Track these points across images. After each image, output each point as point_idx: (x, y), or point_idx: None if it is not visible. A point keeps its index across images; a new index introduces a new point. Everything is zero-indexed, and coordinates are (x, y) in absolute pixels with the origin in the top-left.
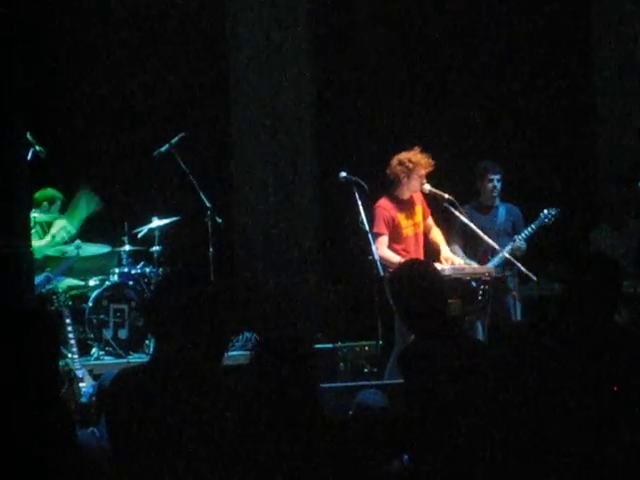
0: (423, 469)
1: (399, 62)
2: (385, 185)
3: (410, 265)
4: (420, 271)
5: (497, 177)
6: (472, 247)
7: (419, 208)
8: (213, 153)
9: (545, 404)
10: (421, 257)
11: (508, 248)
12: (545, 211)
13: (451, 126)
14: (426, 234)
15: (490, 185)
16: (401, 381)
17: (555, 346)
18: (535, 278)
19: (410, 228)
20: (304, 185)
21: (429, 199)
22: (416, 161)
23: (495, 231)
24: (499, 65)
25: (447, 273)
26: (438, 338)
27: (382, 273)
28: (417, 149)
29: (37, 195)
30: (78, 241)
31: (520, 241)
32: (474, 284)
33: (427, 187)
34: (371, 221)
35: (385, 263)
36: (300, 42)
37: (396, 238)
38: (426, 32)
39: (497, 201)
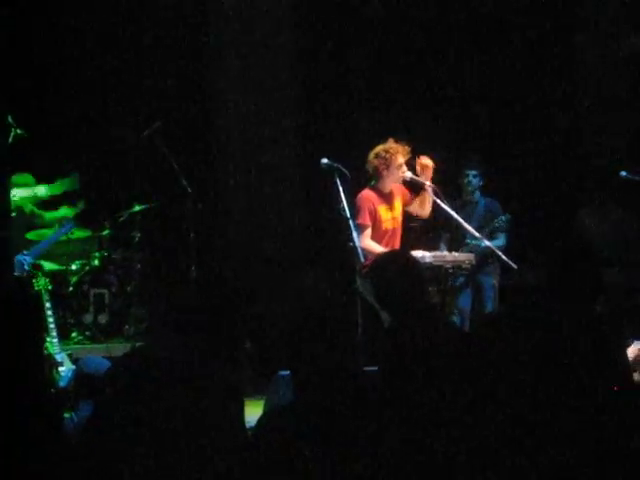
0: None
1: (384, 50)
2: (366, 178)
3: (389, 256)
4: (399, 262)
5: (473, 172)
6: (457, 238)
7: (398, 202)
8: (195, 139)
9: (523, 391)
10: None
11: (483, 243)
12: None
13: (436, 117)
14: (417, 215)
15: (465, 180)
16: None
17: (535, 334)
18: (515, 266)
19: (389, 222)
20: (286, 171)
21: (410, 187)
22: (392, 151)
23: (472, 225)
24: (483, 58)
25: (427, 261)
26: (418, 325)
27: (362, 260)
28: (391, 140)
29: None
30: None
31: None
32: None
33: (408, 174)
34: (354, 212)
35: (368, 255)
36: (284, 30)
37: (375, 231)
38: (412, 26)
39: (477, 196)
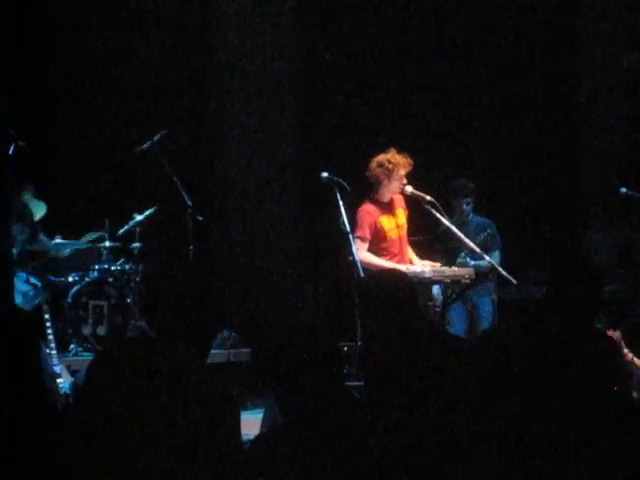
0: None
1: (383, 64)
2: (367, 187)
3: (379, 276)
4: (389, 282)
5: (467, 200)
6: (454, 252)
7: (400, 211)
8: (195, 151)
9: (521, 405)
10: (406, 260)
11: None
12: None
13: (434, 130)
14: None
15: (460, 208)
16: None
17: (535, 351)
18: (515, 281)
19: (394, 231)
20: (286, 185)
21: (410, 201)
22: (395, 162)
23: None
24: (482, 69)
25: (427, 275)
26: (413, 340)
27: (362, 274)
28: (393, 150)
29: None
30: (58, 239)
31: (466, 259)
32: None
33: (409, 189)
34: (354, 225)
35: (366, 267)
36: (286, 39)
37: (381, 242)
38: (410, 38)
39: (470, 216)
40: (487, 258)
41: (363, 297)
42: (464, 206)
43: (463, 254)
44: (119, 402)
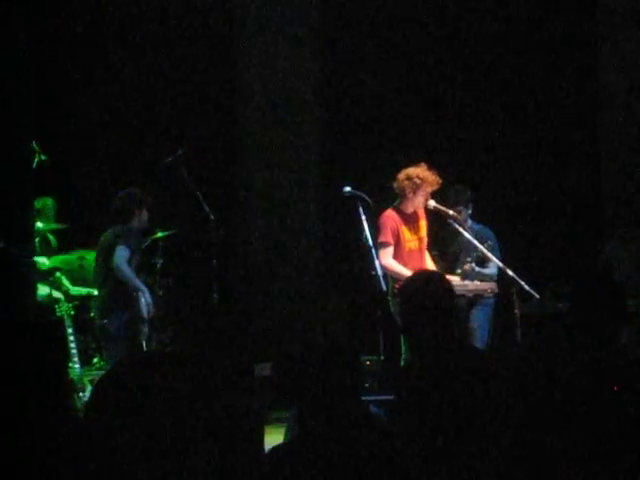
0: None
1: (406, 77)
2: (390, 199)
3: (422, 277)
4: (433, 284)
5: (460, 208)
6: (452, 258)
7: (423, 223)
8: (217, 166)
9: (548, 422)
10: None
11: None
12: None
13: (456, 142)
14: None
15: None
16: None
17: (559, 366)
18: (538, 296)
19: (414, 242)
20: (308, 199)
21: (432, 215)
22: (424, 178)
23: (463, 255)
24: (503, 77)
25: None
26: (444, 354)
27: (384, 288)
28: (424, 165)
29: None
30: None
31: (470, 265)
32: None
33: (432, 203)
34: (376, 232)
35: (389, 273)
36: (308, 56)
37: (398, 251)
38: (433, 49)
39: (469, 223)
40: (510, 273)
41: (401, 299)
42: (462, 213)
43: (469, 260)
44: (128, 419)
